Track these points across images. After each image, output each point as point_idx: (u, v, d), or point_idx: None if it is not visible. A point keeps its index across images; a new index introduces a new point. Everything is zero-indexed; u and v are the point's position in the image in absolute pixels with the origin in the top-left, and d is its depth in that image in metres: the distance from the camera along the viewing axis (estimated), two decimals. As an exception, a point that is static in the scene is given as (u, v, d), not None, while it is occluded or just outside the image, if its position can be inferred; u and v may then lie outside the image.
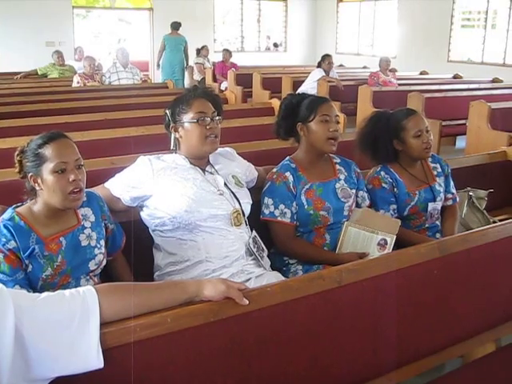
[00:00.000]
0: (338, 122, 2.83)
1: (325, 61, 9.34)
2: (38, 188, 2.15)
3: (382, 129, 3.07)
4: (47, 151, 2.11)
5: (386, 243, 2.70)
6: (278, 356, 1.87)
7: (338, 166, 2.95)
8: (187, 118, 2.56)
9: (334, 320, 2.00)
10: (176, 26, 11.14)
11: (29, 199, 2.23)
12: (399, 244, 2.71)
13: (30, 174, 2.14)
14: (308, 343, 1.94)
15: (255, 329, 1.82)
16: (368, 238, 2.72)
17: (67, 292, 1.53)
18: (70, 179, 2.12)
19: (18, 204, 2.23)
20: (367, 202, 2.98)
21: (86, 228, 2.28)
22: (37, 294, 1.53)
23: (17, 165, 2.19)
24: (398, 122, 3.05)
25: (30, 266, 2.13)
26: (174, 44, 11.17)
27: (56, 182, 2.10)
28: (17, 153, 2.20)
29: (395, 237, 2.71)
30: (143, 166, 2.53)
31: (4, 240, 2.08)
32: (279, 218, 2.76)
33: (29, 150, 2.15)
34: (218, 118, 2.61)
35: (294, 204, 2.78)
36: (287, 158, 2.93)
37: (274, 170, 2.88)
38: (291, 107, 2.90)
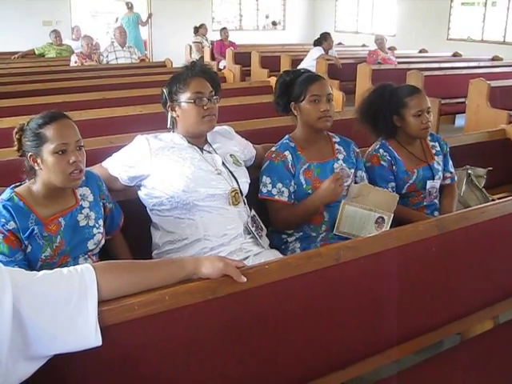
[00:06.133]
0: (330, 101, 2.80)
1: (327, 39, 9.29)
2: (37, 168, 2.13)
3: (385, 102, 3.06)
4: (48, 131, 2.09)
5: (384, 221, 2.70)
6: (276, 333, 1.87)
7: (337, 146, 2.93)
8: (184, 97, 2.54)
9: (333, 297, 2.00)
10: (129, 5, 12.57)
11: (27, 179, 2.22)
12: (398, 221, 2.71)
13: (29, 154, 2.12)
14: (306, 321, 1.94)
15: (253, 306, 1.82)
16: (365, 216, 2.71)
17: (65, 270, 1.54)
18: (71, 161, 2.11)
19: (17, 184, 2.22)
20: (365, 182, 2.96)
21: (84, 208, 2.28)
22: (34, 272, 1.52)
23: (15, 143, 2.17)
24: (400, 98, 3.04)
25: (30, 247, 2.12)
26: (128, 21, 12.11)
27: (56, 163, 2.09)
28: (16, 130, 2.17)
29: (392, 215, 2.71)
30: (141, 145, 2.52)
31: (3, 221, 2.07)
32: (277, 197, 2.75)
33: (29, 129, 2.13)
34: (215, 97, 2.59)
35: (293, 183, 2.78)
36: (286, 136, 2.92)
37: (273, 148, 2.87)
38: (285, 85, 2.88)
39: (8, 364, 1.36)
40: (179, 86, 2.56)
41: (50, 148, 2.09)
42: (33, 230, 2.11)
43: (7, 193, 2.15)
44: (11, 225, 2.08)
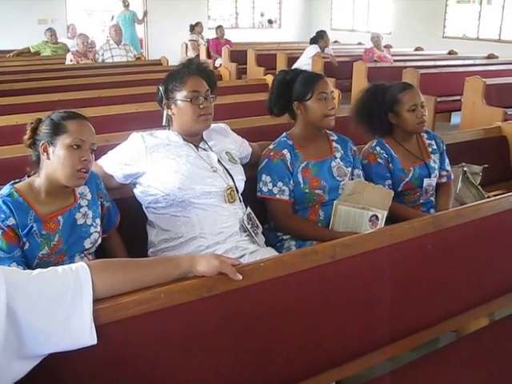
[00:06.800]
0: (333, 98, 2.82)
1: (323, 37, 9.29)
2: (44, 157, 2.14)
3: (378, 101, 3.06)
4: (70, 125, 2.13)
5: (378, 219, 2.69)
6: (271, 331, 1.87)
7: (334, 144, 2.93)
8: (180, 95, 2.54)
9: (328, 295, 2.00)
10: (125, 3, 12.50)
11: (27, 174, 2.22)
12: (393, 219, 2.71)
13: (41, 142, 2.13)
14: (302, 318, 1.94)
15: (249, 304, 1.82)
16: (359, 214, 2.70)
17: (60, 268, 1.53)
18: (82, 158, 2.12)
19: (16, 180, 2.21)
20: (360, 179, 2.96)
21: (82, 206, 2.27)
22: (29, 270, 1.52)
23: (28, 131, 2.18)
24: (393, 95, 3.05)
25: (27, 244, 2.11)
26: (124, 19, 12.11)
27: (68, 156, 2.10)
28: (32, 121, 2.20)
29: (386, 212, 2.69)
30: (136, 142, 2.52)
31: (3, 216, 2.06)
32: (278, 196, 2.75)
33: (49, 119, 2.16)
34: (211, 96, 2.59)
35: (291, 181, 2.77)
36: (284, 134, 2.91)
37: (271, 146, 2.86)
38: (285, 84, 2.86)
39: (2, 363, 1.36)
40: (175, 84, 2.56)
41: (66, 141, 2.11)
42: (32, 227, 2.11)
43: (7, 188, 2.14)
44: (11, 221, 2.07)
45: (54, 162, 2.12)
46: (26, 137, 2.19)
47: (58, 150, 2.11)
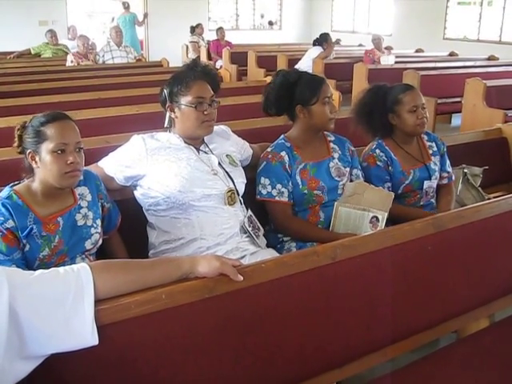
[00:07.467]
0: (333, 100, 2.83)
1: (327, 40, 9.29)
2: (34, 165, 2.14)
3: (379, 101, 3.07)
4: (49, 130, 2.10)
5: (378, 220, 2.70)
6: (272, 332, 1.88)
7: (332, 145, 2.93)
8: (185, 100, 2.53)
9: (329, 296, 2.00)
10: (125, 5, 12.69)
11: (25, 178, 2.23)
12: (394, 220, 2.71)
13: (28, 151, 2.13)
14: (302, 319, 1.94)
15: (250, 305, 1.82)
16: (359, 216, 2.71)
17: (61, 269, 1.53)
18: (68, 161, 2.11)
19: (15, 182, 2.22)
20: (361, 180, 2.96)
21: (82, 207, 2.28)
22: (31, 271, 1.52)
23: (16, 139, 2.18)
24: (394, 96, 3.05)
25: (28, 246, 2.12)
26: (124, 21, 12.20)
27: (54, 162, 2.09)
28: (17, 127, 2.19)
29: (387, 214, 2.69)
30: (137, 145, 2.52)
31: (2, 219, 2.07)
32: (277, 198, 2.75)
33: (30, 127, 2.14)
34: (215, 101, 2.58)
35: (290, 183, 2.78)
36: (282, 136, 2.91)
37: (269, 149, 2.86)
38: (287, 86, 2.82)
39: (4, 364, 1.36)
40: (181, 88, 2.54)
41: (49, 147, 2.09)
42: (31, 228, 2.11)
43: (6, 191, 2.15)
44: (10, 223, 2.08)
45: (43, 168, 2.12)
46: (16, 145, 2.19)
47: (43, 158, 2.11)
